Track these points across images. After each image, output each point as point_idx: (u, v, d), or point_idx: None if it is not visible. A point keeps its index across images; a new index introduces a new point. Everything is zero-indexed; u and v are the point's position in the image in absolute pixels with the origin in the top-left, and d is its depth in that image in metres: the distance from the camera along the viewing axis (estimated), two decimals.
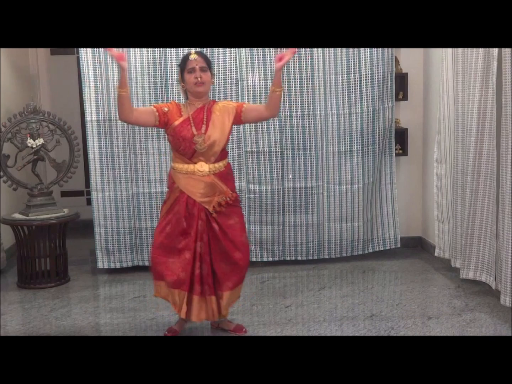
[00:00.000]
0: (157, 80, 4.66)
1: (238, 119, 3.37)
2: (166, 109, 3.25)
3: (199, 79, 3.19)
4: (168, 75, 4.67)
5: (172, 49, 4.59)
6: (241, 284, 3.49)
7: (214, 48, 4.61)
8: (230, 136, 4.59)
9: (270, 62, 4.67)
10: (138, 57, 4.61)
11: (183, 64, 3.27)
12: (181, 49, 4.57)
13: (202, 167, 3.24)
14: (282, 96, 4.66)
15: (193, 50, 3.35)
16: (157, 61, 4.62)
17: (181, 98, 3.84)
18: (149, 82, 4.65)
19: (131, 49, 4.57)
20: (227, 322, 3.58)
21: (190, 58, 3.22)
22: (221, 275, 3.33)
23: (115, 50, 3.15)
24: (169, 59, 4.62)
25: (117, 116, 4.58)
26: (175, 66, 4.48)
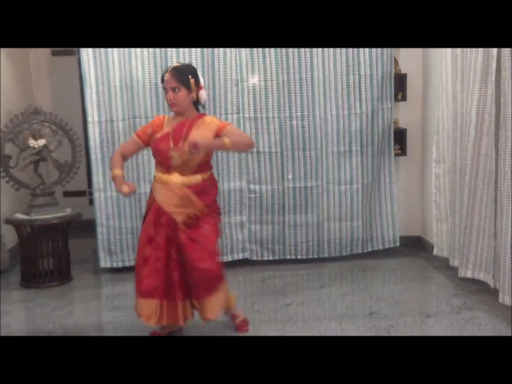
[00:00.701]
0: (158, 81, 4.68)
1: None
2: (149, 130, 3.33)
3: (170, 100, 3.22)
4: None
5: (173, 49, 4.60)
6: (218, 291, 3.32)
7: (215, 49, 4.62)
8: None
9: (270, 63, 4.69)
10: (139, 57, 4.62)
11: (162, 79, 3.30)
12: (181, 48, 4.60)
13: (177, 178, 3.24)
14: (282, 97, 4.74)
15: (172, 65, 3.37)
16: (157, 61, 4.63)
17: None
18: (150, 82, 4.66)
19: (132, 49, 4.60)
20: (234, 314, 3.60)
21: (163, 77, 3.25)
22: (192, 284, 3.28)
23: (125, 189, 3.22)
24: (170, 58, 4.63)
25: (118, 117, 4.65)
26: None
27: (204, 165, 3.33)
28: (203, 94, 3.37)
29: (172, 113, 3.40)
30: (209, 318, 3.32)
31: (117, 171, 3.29)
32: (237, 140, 3.30)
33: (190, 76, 3.24)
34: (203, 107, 3.48)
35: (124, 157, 3.44)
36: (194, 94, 3.28)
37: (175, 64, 3.47)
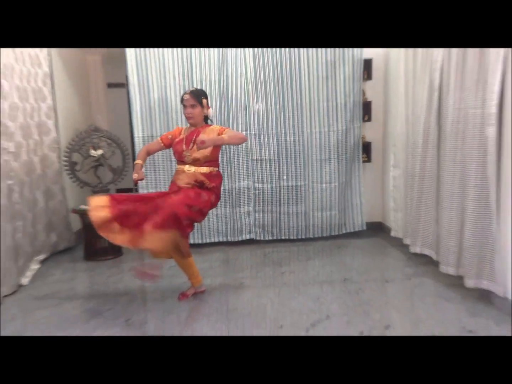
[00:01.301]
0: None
1: None
2: (170, 136, 3.49)
3: (188, 114, 3.37)
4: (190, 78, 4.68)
5: (197, 81, 4.60)
6: (156, 229, 2.94)
7: (229, 83, 4.62)
8: (240, 148, 4.71)
9: (270, 93, 4.69)
10: (172, 86, 4.62)
11: (181, 99, 3.42)
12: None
13: (190, 167, 3.33)
14: (279, 118, 4.74)
15: (189, 89, 3.49)
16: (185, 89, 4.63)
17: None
18: (178, 105, 4.66)
19: (167, 82, 4.60)
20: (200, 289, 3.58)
21: (184, 97, 3.37)
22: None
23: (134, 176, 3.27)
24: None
25: (157, 133, 4.65)
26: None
27: (212, 162, 3.39)
28: (210, 111, 3.51)
29: (188, 125, 3.50)
30: (146, 247, 3.01)
31: (138, 161, 3.39)
32: (233, 135, 3.41)
33: (203, 97, 3.40)
34: (211, 121, 3.58)
35: (148, 153, 3.54)
36: (205, 111, 3.44)
37: (191, 88, 3.57)
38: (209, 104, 3.53)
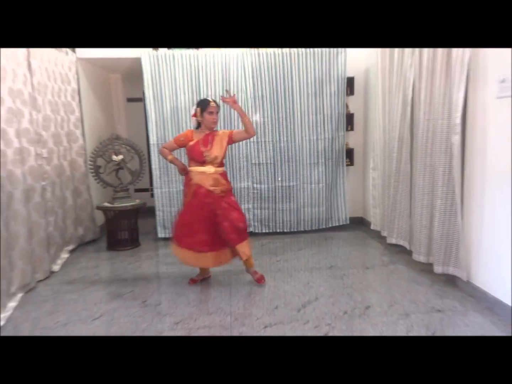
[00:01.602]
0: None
1: (231, 141, 3.34)
2: (182, 138, 3.34)
3: (215, 119, 3.28)
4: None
5: (203, 93, 4.60)
6: (246, 240, 3.37)
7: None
8: (241, 153, 4.71)
9: (266, 106, 4.70)
10: (182, 100, 4.63)
11: (205, 107, 3.24)
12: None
13: (210, 168, 3.26)
14: (275, 128, 4.74)
15: (210, 98, 3.33)
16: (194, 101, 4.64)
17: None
18: (187, 115, 4.67)
19: (178, 96, 4.61)
20: (254, 271, 3.51)
21: (210, 105, 3.23)
22: (228, 236, 3.25)
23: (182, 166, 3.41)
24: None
25: (170, 139, 4.59)
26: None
27: (222, 163, 3.35)
28: None
29: (195, 129, 3.38)
30: (243, 257, 3.31)
31: (171, 156, 3.40)
32: (249, 124, 3.29)
33: None
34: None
35: (167, 150, 3.46)
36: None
37: (211, 98, 3.52)
38: None
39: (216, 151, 3.26)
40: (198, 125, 3.35)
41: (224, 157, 3.35)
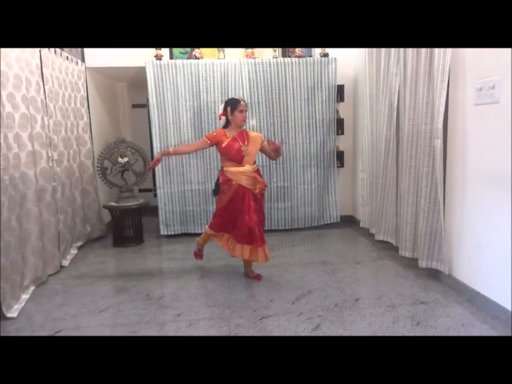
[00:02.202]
0: (195, 119, 4.68)
1: (261, 147, 3.31)
2: (214, 134, 3.19)
3: (245, 118, 3.20)
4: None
5: (204, 99, 4.61)
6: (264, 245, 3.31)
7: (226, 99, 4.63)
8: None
9: (262, 111, 4.70)
10: (184, 106, 4.62)
11: (236, 105, 3.15)
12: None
13: (248, 167, 3.19)
14: (269, 130, 4.74)
15: (239, 98, 3.27)
16: (195, 108, 4.64)
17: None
18: (188, 120, 4.67)
19: (180, 100, 4.61)
20: (252, 271, 3.50)
21: (241, 103, 3.15)
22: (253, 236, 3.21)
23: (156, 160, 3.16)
24: (203, 106, 4.64)
25: (171, 144, 4.64)
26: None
27: (254, 159, 3.29)
28: None
29: (223, 127, 3.27)
30: (262, 261, 3.25)
31: (169, 149, 3.37)
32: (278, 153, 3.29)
33: None
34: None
35: (190, 149, 3.38)
36: None
37: (239, 97, 3.52)
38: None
39: (253, 148, 3.21)
40: (226, 125, 3.24)
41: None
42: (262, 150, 3.33)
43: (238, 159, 3.17)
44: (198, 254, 3.62)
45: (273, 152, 3.24)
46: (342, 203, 5.25)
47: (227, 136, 3.19)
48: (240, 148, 3.15)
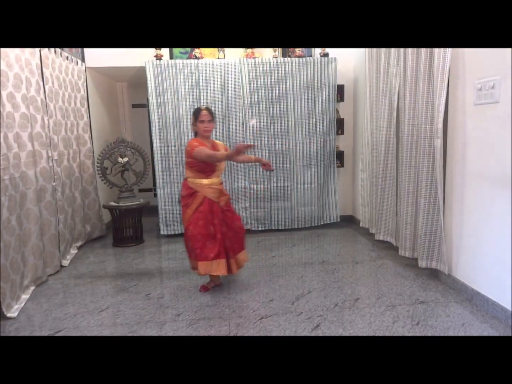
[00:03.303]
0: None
1: None
2: (196, 143, 2.99)
3: (208, 128, 3.02)
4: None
5: (203, 99, 4.61)
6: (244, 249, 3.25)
7: (230, 103, 4.63)
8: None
9: (262, 111, 4.70)
10: (184, 107, 4.62)
11: (197, 116, 3.01)
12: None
13: (215, 180, 3.07)
14: (270, 132, 4.74)
15: (203, 106, 3.11)
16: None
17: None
18: (189, 121, 4.66)
19: (181, 102, 4.61)
20: (218, 282, 3.29)
21: (201, 113, 2.99)
22: (232, 244, 3.13)
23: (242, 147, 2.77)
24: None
25: (171, 143, 4.64)
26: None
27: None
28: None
29: (196, 137, 3.11)
30: (242, 265, 3.25)
31: (229, 151, 3.10)
32: (245, 158, 3.22)
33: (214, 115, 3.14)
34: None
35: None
36: (214, 126, 3.18)
37: (204, 105, 3.26)
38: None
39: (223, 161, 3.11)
40: (196, 135, 3.14)
41: None
42: None
43: (210, 171, 3.04)
44: (204, 287, 3.27)
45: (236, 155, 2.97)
46: (342, 203, 5.24)
47: (206, 145, 3.05)
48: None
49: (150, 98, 4.59)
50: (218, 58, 4.70)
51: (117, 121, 6.40)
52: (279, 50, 4.89)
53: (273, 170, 3.33)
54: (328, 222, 5.12)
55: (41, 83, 3.59)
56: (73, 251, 4.24)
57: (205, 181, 3.05)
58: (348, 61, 4.96)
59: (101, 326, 2.65)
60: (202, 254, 3.00)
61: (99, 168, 4.60)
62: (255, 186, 4.86)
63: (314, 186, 4.94)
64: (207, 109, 3.05)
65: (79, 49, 4.70)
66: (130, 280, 3.50)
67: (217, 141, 3.27)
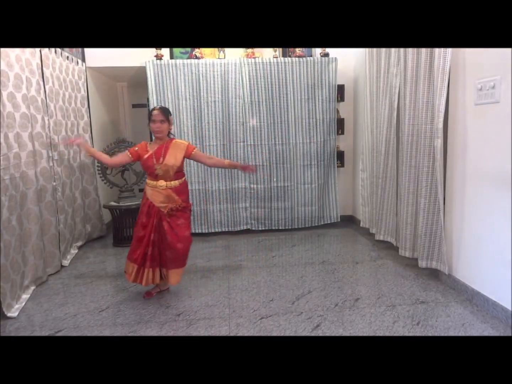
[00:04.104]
0: (195, 121, 4.67)
1: (187, 156, 2.99)
2: (136, 148, 3.01)
3: (157, 129, 2.91)
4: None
5: (203, 101, 4.61)
6: (181, 268, 3.04)
7: (230, 103, 4.63)
8: (239, 155, 4.71)
9: (262, 111, 4.69)
10: (184, 108, 4.62)
11: (150, 116, 2.94)
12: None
13: (161, 183, 2.93)
14: (270, 132, 4.74)
15: (157, 106, 3.08)
16: (195, 110, 4.63)
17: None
18: (188, 122, 4.66)
19: (181, 103, 4.61)
20: (164, 288, 3.21)
21: (153, 113, 2.91)
22: (166, 258, 2.96)
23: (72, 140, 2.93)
24: (204, 109, 4.64)
25: None
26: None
27: (180, 174, 3.02)
28: (172, 128, 3.08)
29: (152, 140, 3.07)
30: (172, 283, 3.02)
31: (91, 150, 3.16)
32: (217, 162, 3.21)
33: (170, 115, 2.99)
34: (173, 135, 3.13)
35: (112, 163, 3.15)
36: (171, 127, 3.02)
37: (159, 105, 3.12)
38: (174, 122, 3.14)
39: (169, 163, 2.92)
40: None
41: (180, 169, 3.01)
42: (193, 158, 3.06)
43: (153, 175, 2.97)
44: (150, 293, 3.17)
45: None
46: (342, 203, 5.24)
47: (148, 150, 2.98)
48: (153, 165, 2.93)
49: (150, 98, 4.59)
50: (218, 58, 4.70)
51: (117, 121, 6.39)
52: (279, 50, 4.88)
53: (255, 172, 3.20)
54: (328, 222, 5.11)
55: (41, 83, 3.59)
56: (74, 251, 4.24)
57: (150, 182, 2.99)
58: (348, 61, 4.96)
59: (101, 326, 2.65)
60: (129, 252, 3.03)
61: (99, 168, 4.60)
62: (255, 186, 4.85)
63: (314, 186, 4.94)
64: (161, 108, 2.95)
65: (80, 49, 4.70)
66: None
67: (180, 141, 3.07)
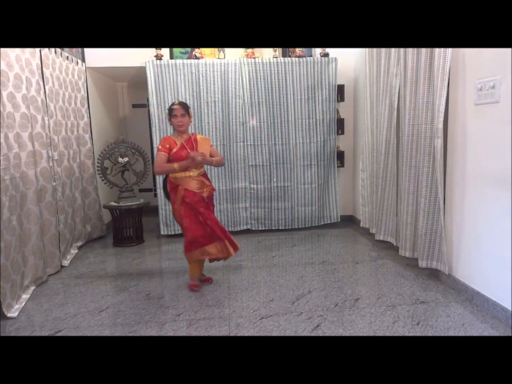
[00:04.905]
0: (196, 122, 4.67)
1: (210, 148, 3.14)
2: (167, 145, 3.07)
3: (180, 123, 3.06)
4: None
5: (203, 101, 4.61)
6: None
7: (231, 103, 4.63)
8: (239, 155, 4.71)
9: (262, 112, 4.69)
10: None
11: (170, 111, 3.08)
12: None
13: (194, 172, 3.07)
14: (270, 132, 4.74)
15: (176, 101, 3.13)
16: (195, 109, 4.64)
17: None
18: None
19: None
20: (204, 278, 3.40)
21: (173, 107, 3.05)
22: (221, 233, 3.10)
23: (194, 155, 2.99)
24: (203, 109, 4.64)
25: None
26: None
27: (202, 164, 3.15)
28: (192, 120, 3.22)
29: (173, 134, 3.19)
30: (239, 248, 3.18)
31: (176, 164, 3.03)
32: (220, 160, 3.21)
33: (189, 108, 3.14)
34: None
35: (163, 170, 3.18)
36: (191, 120, 3.17)
37: (178, 101, 3.16)
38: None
39: (205, 152, 3.07)
40: (174, 131, 3.19)
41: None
42: (210, 153, 3.17)
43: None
44: (195, 285, 3.28)
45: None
46: (342, 203, 5.23)
47: (177, 143, 3.10)
48: (187, 155, 3.04)
49: (150, 98, 4.59)
50: (218, 58, 4.70)
51: (117, 121, 6.40)
52: (279, 50, 4.88)
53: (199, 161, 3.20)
54: (328, 222, 5.11)
55: (41, 83, 3.59)
56: (74, 251, 4.24)
57: (180, 174, 3.08)
58: (348, 61, 4.96)
59: (101, 326, 2.66)
60: (196, 242, 3.11)
61: (99, 168, 4.60)
62: (255, 186, 4.85)
63: (314, 186, 4.94)
64: (180, 103, 3.08)
65: (79, 49, 4.70)
66: (130, 280, 3.50)
67: (200, 136, 3.21)
